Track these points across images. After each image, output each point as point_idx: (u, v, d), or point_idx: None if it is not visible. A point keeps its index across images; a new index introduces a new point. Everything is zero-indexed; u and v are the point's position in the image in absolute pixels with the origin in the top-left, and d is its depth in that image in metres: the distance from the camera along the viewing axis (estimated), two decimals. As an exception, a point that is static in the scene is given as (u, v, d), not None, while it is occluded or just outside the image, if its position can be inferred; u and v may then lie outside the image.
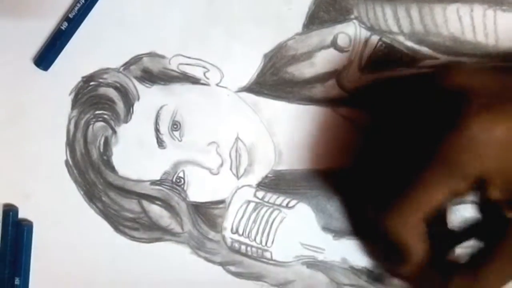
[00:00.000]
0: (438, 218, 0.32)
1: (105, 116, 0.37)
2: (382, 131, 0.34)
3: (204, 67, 0.37)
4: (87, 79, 0.37)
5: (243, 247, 0.37)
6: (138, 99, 0.37)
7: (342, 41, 0.36)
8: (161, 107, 0.37)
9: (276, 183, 0.37)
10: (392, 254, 0.33)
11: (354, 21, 0.36)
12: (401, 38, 0.36)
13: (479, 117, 0.28)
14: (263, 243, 0.37)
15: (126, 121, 0.37)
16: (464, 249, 0.34)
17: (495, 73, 0.31)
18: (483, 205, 0.34)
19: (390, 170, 0.32)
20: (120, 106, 0.37)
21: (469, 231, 0.34)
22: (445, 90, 0.30)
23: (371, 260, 0.36)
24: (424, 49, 0.36)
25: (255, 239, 0.37)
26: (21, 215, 0.37)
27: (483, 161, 0.28)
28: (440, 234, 0.33)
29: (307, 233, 0.37)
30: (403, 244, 0.31)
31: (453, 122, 0.29)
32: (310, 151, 0.37)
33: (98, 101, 0.37)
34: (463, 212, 0.35)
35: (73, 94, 0.37)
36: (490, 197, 0.30)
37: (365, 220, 0.35)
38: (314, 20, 0.36)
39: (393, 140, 0.32)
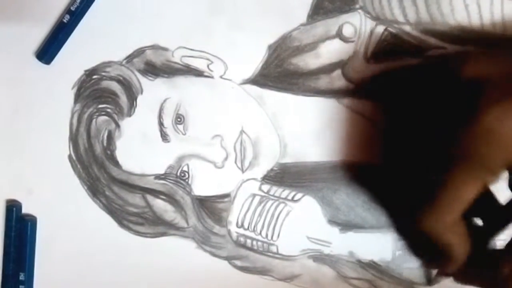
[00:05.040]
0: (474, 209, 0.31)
1: (108, 110, 0.37)
2: (398, 126, 0.34)
3: (207, 59, 0.36)
4: (89, 73, 0.37)
5: (248, 241, 0.37)
6: (142, 92, 0.37)
7: (347, 31, 0.36)
8: (164, 100, 0.36)
9: (282, 176, 0.37)
10: (436, 255, 0.32)
11: (359, 11, 0.35)
12: (407, 28, 0.35)
13: (497, 107, 0.27)
14: (269, 237, 0.37)
15: (129, 115, 0.37)
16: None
17: (509, 61, 0.30)
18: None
19: (414, 167, 0.31)
20: (123, 99, 0.37)
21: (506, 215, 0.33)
22: (460, 81, 0.29)
23: (419, 262, 0.36)
24: (430, 39, 0.35)
25: (260, 233, 0.37)
26: (24, 210, 0.37)
27: (507, 150, 0.27)
28: (478, 225, 0.32)
29: (313, 226, 0.36)
30: (444, 244, 0.31)
31: (470, 115, 0.28)
32: (315, 143, 0.36)
33: (101, 95, 0.37)
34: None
35: (75, 88, 0.37)
36: None
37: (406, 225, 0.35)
38: (319, 11, 0.36)
39: (412, 134, 0.32)
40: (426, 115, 0.31)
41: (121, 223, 0.37)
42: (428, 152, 0.30)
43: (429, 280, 0.36)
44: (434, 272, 0.36)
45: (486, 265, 0.32)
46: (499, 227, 0.33)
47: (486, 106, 0.28)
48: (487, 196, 0.32)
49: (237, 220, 0.37)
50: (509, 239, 0.31)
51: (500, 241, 0.33)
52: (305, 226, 0.36)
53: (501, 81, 0.28)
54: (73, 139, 0.37)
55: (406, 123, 0.33)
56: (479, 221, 0.34)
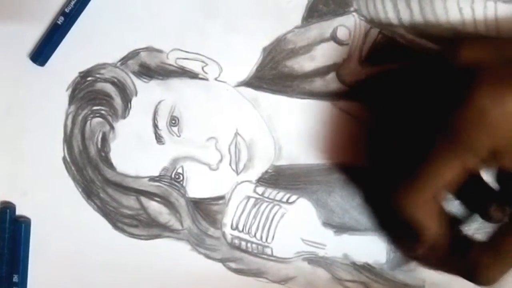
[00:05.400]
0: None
1: (103, 112, 0.37)
2: (392, 129, 0.34)
3: (202, 61, 0.37)
4: (84, 75, 0.37)
5: (243, 243, 0.37)
6: (136, 94, 0.37)
7: (341, 34, 0.36)
8: (159, 102, 0.36)
9: (276, 178, 0.37)
10: (407, 235, 0.32)
11: (354, 13, 0.36)
12: (401, 31, 0.35)
13: (489, 90, 0.28)
14: (264, 239, 0.37)
15: (124, 117, 0.37)
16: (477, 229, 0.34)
17: (504, 46, 0.30)
18: (498, 176, 0.33)
19: (404, 154, 0.32)
20: (117, 101, 0.37)
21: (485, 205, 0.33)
22: (454, 67, 0.30)
23: (389, 243, 0.36)
24: (424, 42, 0.35)
25: (255, 235, 0.37)
26: (18, 212, 0.37)
27: (495, 135, 0.28)
28: (451, 212, 0.33)
29: (308, 228, 0.37)
30: (415, 222, 0.31)
31: (463, 97, 0.28)
32: (310, 145, 0.37)
33: (95, 97, 0.37)
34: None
35: (70, 90, 0.37)
36: (504, 169, 0.30)
37: (382, 204, 0.35)
38: (313, 13, 0.36)
39: (404, 125, 0.32)
40: (420, 114, 0.31)
41: (115, 225, 0.37)
42: (416, 137, 0.31)
43: (394, 264, 0.36)
44: (400, 257, 0.36)
45: (454, 252, 0.32)
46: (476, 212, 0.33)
47: (479, 89, 0.28)
48: (473, 182, 0.32)
49: (232, 222, 0.37)
50: (482, 228, 0.32)
51: (471, 229, 0.34)
52: (299, 228, 0.37)
53: (494, 65, 0.29)
54: (67, 141, 0.37)
55: (400, 126, 0.33)
56: (453, 208, 0.34)
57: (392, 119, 0.34)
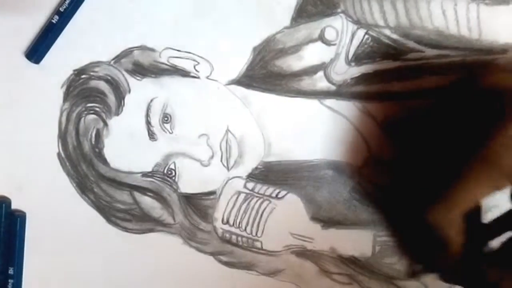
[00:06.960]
0: (475, 212, 0.33)
1: (97, 109, 0.37)
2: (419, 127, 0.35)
3: (194, 60, 0.37)
4: (78, 72, 0.37)
5: (233, 237, 0.38)
6: (129, 92, 0.37)
7: (329, 34, 0.36)
8: (152, 100, 0.37)
9: (266, 174, 0.37)
10: (430, 247, 0.33)
11: (341, 14, 0.36)
12: (387, 32, 0.36)
13: None
14: (253, 233, 0.37)
15: (117, 114, 0.37)
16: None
17: None
18: None
19: (429, 165, 0.33)
20: (111, 98, 0.37)
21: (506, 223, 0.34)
22: (485, 91, 0.31)
23: (406, 255, 0.37)
24: (409, 42, 0.36)
25: (245, 229, 0.37)
26: (14, 206, 0.38)
27: None
28: (477, 227, 0.33)
29: (297, 223, 0.37)
30: (444, 237, 0.32)
31: (497, 123, 0.29)
32: (298, 142, 0.37)
33: (89, 94, 0.37)
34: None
35: (64, 87, 0.37)
36: None
37: (402, 215, 0.36)
38: (302, 14, 0.37)
39: (432, 136, 0.33)
40: (451, 136, 0.32)
41: (109, 220, 0.38)
42: (443, 153, 0.32)
43: (411, 273, 0.37)
44: (418, 266, 0.37)
45: (476, 267, 0.32)
46: (502, 231, 0.33)
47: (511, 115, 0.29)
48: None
49: (223, 216, 0.38)
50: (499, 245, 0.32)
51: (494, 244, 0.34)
52: (288, 222, 0.37)
53: None
54: (62, 137, 0.38)
55: (427, 145, 0.34)
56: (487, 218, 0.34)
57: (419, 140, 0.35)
